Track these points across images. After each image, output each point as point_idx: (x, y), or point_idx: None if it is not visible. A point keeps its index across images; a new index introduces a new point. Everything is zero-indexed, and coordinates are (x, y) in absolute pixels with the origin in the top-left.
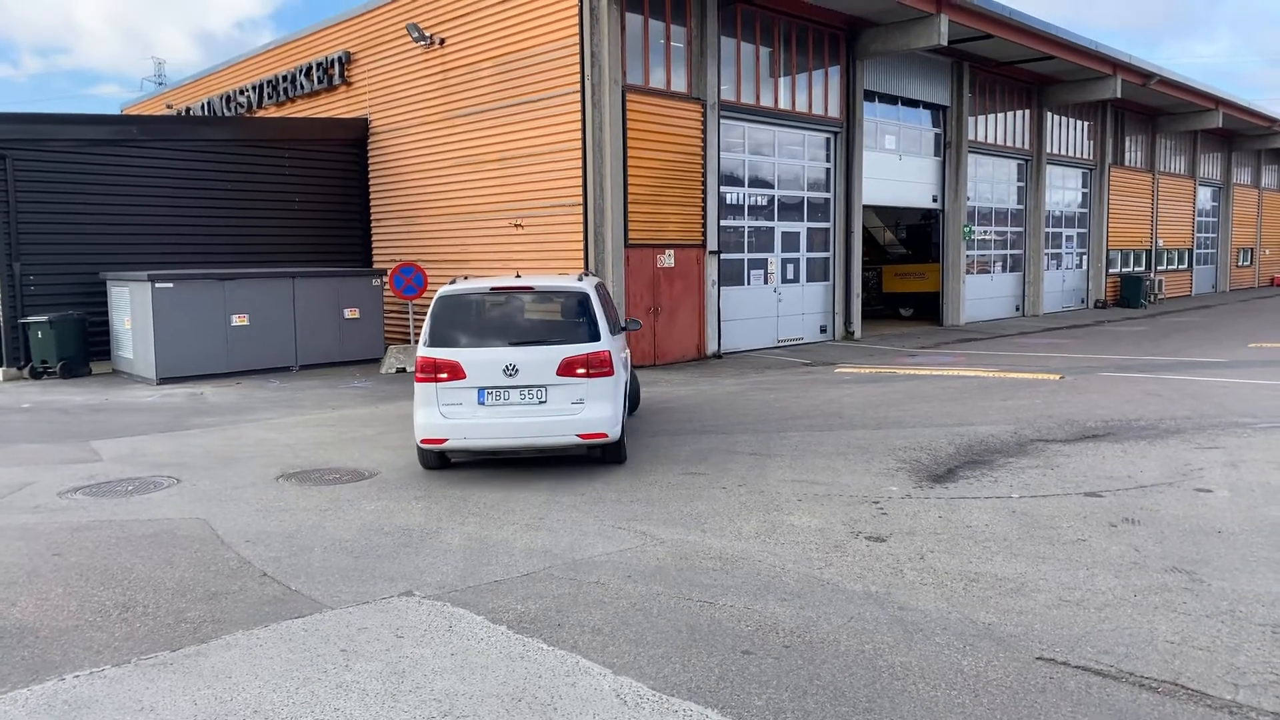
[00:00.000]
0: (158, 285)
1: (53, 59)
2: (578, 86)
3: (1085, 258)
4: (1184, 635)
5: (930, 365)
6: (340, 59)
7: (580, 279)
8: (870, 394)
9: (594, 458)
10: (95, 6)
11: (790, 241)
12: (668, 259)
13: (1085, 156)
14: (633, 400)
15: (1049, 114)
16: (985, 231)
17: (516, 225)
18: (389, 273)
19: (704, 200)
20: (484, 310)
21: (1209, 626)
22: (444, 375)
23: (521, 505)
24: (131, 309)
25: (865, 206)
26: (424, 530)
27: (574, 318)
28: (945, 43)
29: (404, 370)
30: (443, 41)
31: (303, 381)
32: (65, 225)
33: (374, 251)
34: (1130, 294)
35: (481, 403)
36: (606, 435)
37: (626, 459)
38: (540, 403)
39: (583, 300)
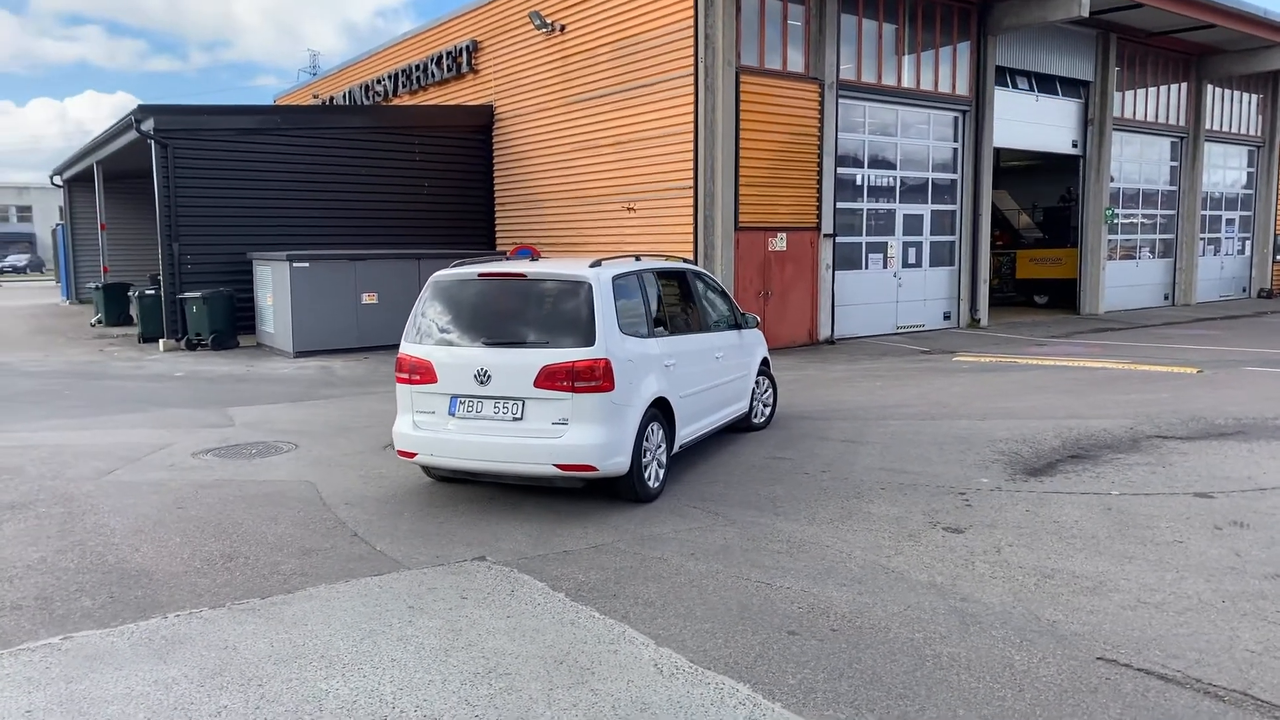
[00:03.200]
0: (295, 265)
1: (217, 53)
2: (690, 69)
3: (1249, 243)
4: (1268, 645)
5: (1056, 356)
6: (468, 48)
7: (598, 265)
8: (984, 384)
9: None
10: (251, 2)
11: (913, 224)
12: (779, 242)
13: (1251, 133)
14: (771, 407)
15: (1209, 87)
16: (1132, 214)
17: (629, 209)
18: (507, 254)
19: (819, 182)
20: (470, 301)
21: None
22: (417, 377)
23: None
24: (273, 287)
25: (995, 188)
26: (507, 500)
27: (566, 316)
28: (1087, 13)
29: None
30: (563, 28)
31: None
32: (217, 208)
33: (497, 234)
34: None
35: (452, 413)
36: (595, 469)
37: (654, 498)
38: (515, 419)
39: (581, 293)
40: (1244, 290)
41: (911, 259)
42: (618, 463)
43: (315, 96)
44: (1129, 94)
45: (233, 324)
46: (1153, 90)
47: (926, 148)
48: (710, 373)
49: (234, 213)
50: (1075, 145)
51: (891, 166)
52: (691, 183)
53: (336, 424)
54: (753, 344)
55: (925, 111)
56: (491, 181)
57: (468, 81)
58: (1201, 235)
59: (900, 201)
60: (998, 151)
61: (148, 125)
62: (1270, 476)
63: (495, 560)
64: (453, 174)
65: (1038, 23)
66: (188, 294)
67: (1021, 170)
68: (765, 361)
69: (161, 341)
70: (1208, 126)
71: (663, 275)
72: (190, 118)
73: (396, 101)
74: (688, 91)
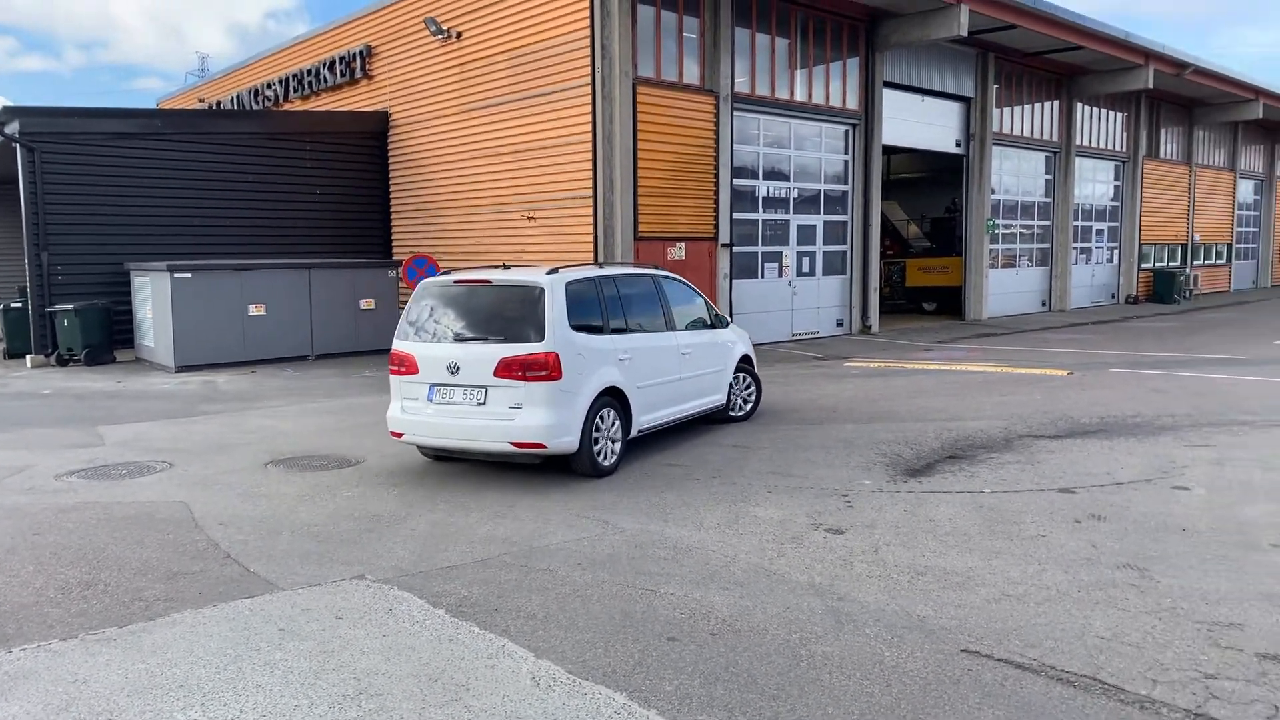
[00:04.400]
0: (176, 275)
1: (94, 53)
2: (588, 79)
3: (1117, 252)
4: (1116, 631)
5: (941, 360)
6: (362, 53)
7: (555, 271)
8: (871, 388)
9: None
10: (132, 1)
11: (806, 234)
12: (678, 252)
13: (1117, 149)
14: (753, 402)
15: (1079, 105)
16: (1011, 225)
17: (529, 218)
18: (402, 264)
19: (716, 193)
20: (447, 304)
21: (1144, 623)
22: (403, 368)
23: (496, 493)
24: (152, 298)
25: (885, 199)
26: (392, 516)
27: (523, 315)
28: (966, 33)
29: None
30: (459, 35)
31: (316, 371)
32: (92, 217)
33: (394, 243)
34: (1163, 289)
35: (430, 399)
36: (544, 446)
37: (607, 475)
38: (479, 404)
39: (534, 297)
40: (1113, 297)
41: (806, 268)
42: (566, 442)
43: (201, 100)
44: (1007, 110)
45: (108, 338)
46: (1029, 107)
47: (819, 160)
48: (673, 367)
49: (111, 221)
50: (959, 145)
51: (786, 178)
52: (591, 192)
53: (216, 441)
54: (731, 343)
55: (817, 124)
56: (387, 189)
57: (362, 87)
58: (1074, 245)
59: (795, 212)
60: (887, 163)
61: (12, 128)
62: (1126, 472)
63: (375, 578)
64: (346, 182)
65: (922, 41)
66: (59, 306)
67: (910, 182)
68: (747, 359)
69: (29, 358)
70: (1078, 142)
71: (627, 280)
72: (61, 120)
73: (288, 107)
74: (585, 101)
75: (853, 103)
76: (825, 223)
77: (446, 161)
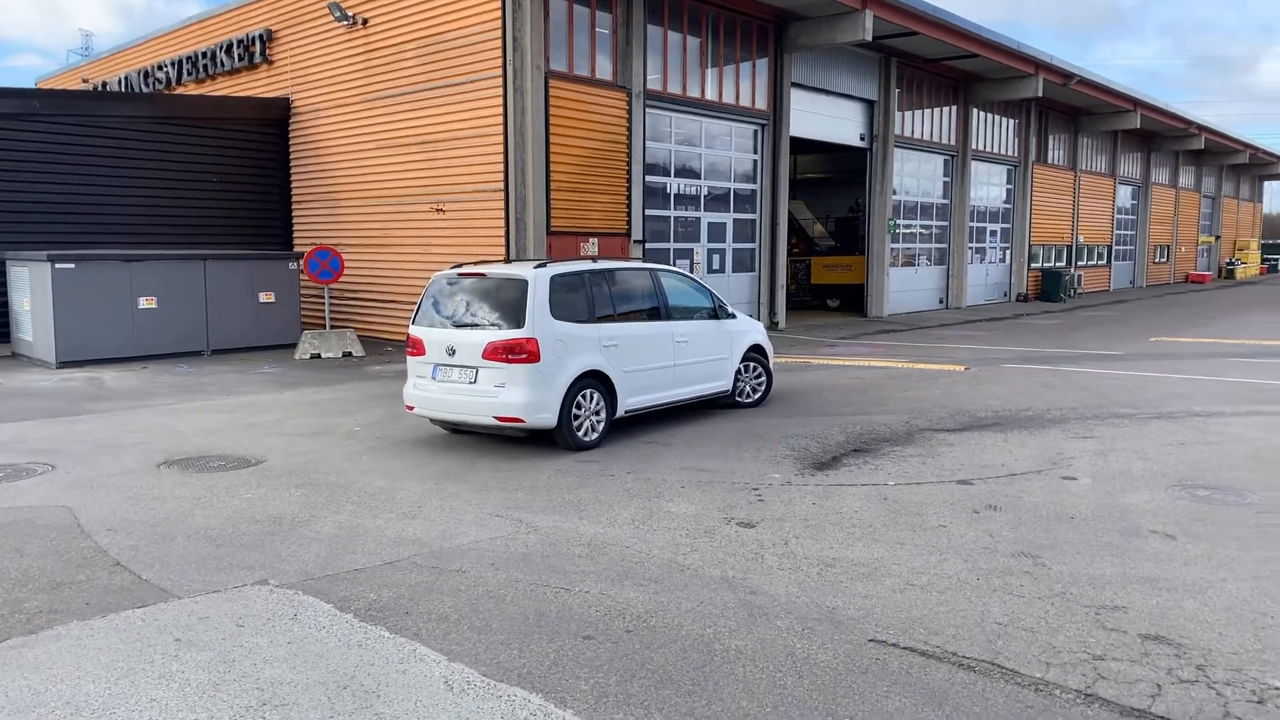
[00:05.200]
0: (58, 266)
1: None
2: (499, 71)
3: (1009, 252)
4: (1013, 617)
5: (846, 356)
6: (261, 36)
7: (542, 266)
8: (779, 383)
9: (566, 444)
10: None
11: (716, 232)
12: (592, 247)
13: (1010, 154)
14: (762, 390)
15: (975, 111)
16: (911, 225)
17: (438, 210)
18: (304, 256)
19: (629, 189)
20: (450, 293)
21: (1038, 608)
22: (415, 350)
23: (404, 493)
24: (31, 290)
25: (792, 198)
26: (295, 519)
27: (509, 305)
28: (870, 38)
29: (318, 356)
30: (365, 22)
31: (212, 366)
32: None
33: (295, 235)
34: (1051, 288)
35: (434, 378)
36: (523, 420)
37: (588, 449)
38: (471, 383)
39: (520, 289)
40: (1005, 295)
41: (716, 265)
42: (544, 418)
43: (85, 81)
44: (909, 114)
45: None
46: (929, 111)
47: (729, 158)
48: (667, 354)
49: None
50: (863, 139)
51: (697, 176)
52: (502, 185)
53: (103, 442)
54: (737, 332)
55: (728, 123)
56: (288, 179)
57: (262, 72)
58: (970, 245)
59: (705, 210)
60: (794, 163)
61: None
62: (1020, 463)
63: (279, 583)
64: (245, 170)
65: (828, 44)
66: None
67: (816, 182)
68: (757, 349)
69: None
70: (974, 146)
71: (621, 273)
72: None
73: (181, 90)
74: (497, 93)
75: (762, 103)
76: (735, 220)
77: (351, 151)
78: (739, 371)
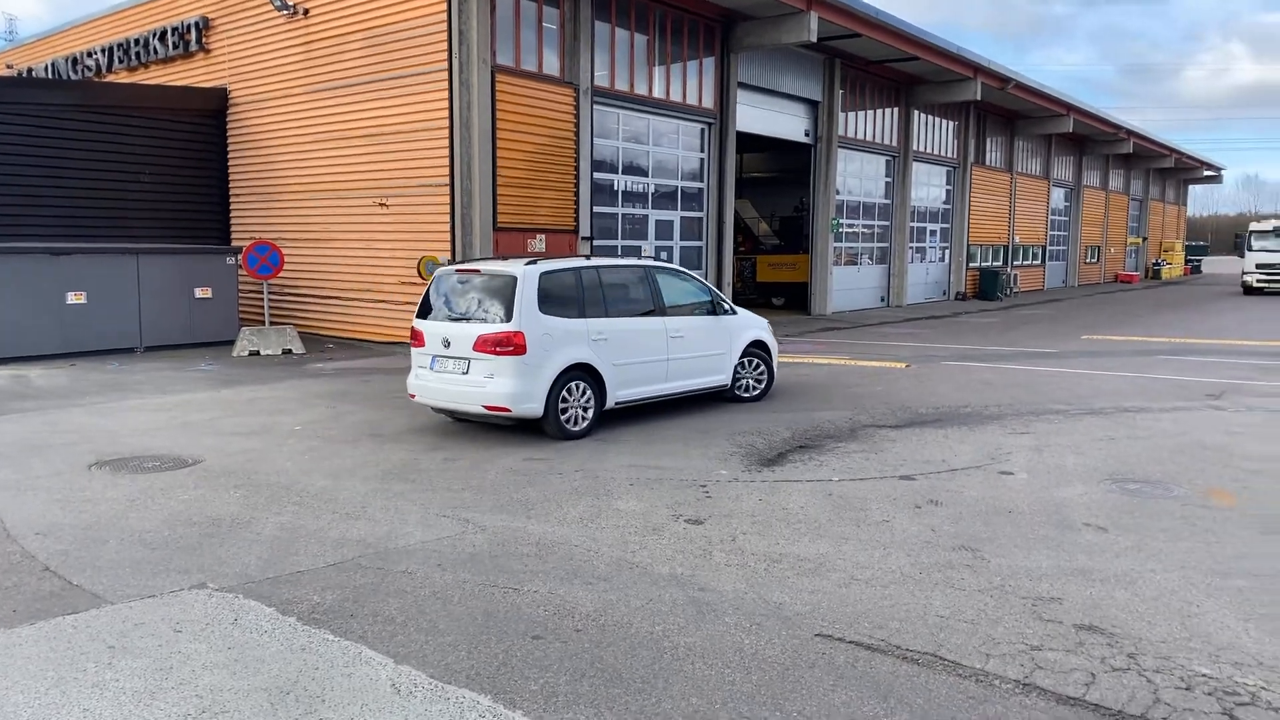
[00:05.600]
0: None
1: None
2: (445, 64)
3: (948, 252)
4: (954, 609)
5: (790, 354)
6: (198, 24)
7: (533, 263)
8: None
9: (553, 434)
10: None
11: (664, 230)
12: (539, 244)
13: (949, 155)
14: (764, 385)
15: (916, 113)
16: (854, 224)
17: (382, 204)
18: (243, 251)
19: (577, 186)
20: (449, 288)
21: (978, 601)
22: (416, 342)
23: (348, 493)
24: None
25: (738, 197)
26: (235, 520)
27: (499, 300)
28: (815, 39)
29: (257, 353)
30: (306, 12)
31: (145, 364)
32: None
33: (234, 229)
34: (988, 287)
35: (432, 368)
36: (510, 410)
37: (575, 438)
38: (464, 373)
39: (510, 284)
40: (944, 294)
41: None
42: (530, 407)
43: (9, 67)
44: (852, 115)
45: None
46: (872, 113)
47: (676, 156)
48: (659, 348)
49: None
50: (807, 134)
51: (645, 173)
52: (448, 180)
53: (30, 442)
54: (736, 328)
55: (675, 122)
56: (226, 171)
57: (198, 61)
58: (911, 245)
59: (653, 207)
60: (740, 162)
61: None
62: (960, 459)
63: (218, 587)
64: (181, 162)
65: (774, 44)
66: None
67: (761, 181)
68: (759, 344)
69: None
70: (915, 148)
71: (614, 270)
72: None
73: (112, 78)
74: (442, 87)
75: (709, 101)
76: (682, 218)
77: (292, 144)
78: (740, 366)
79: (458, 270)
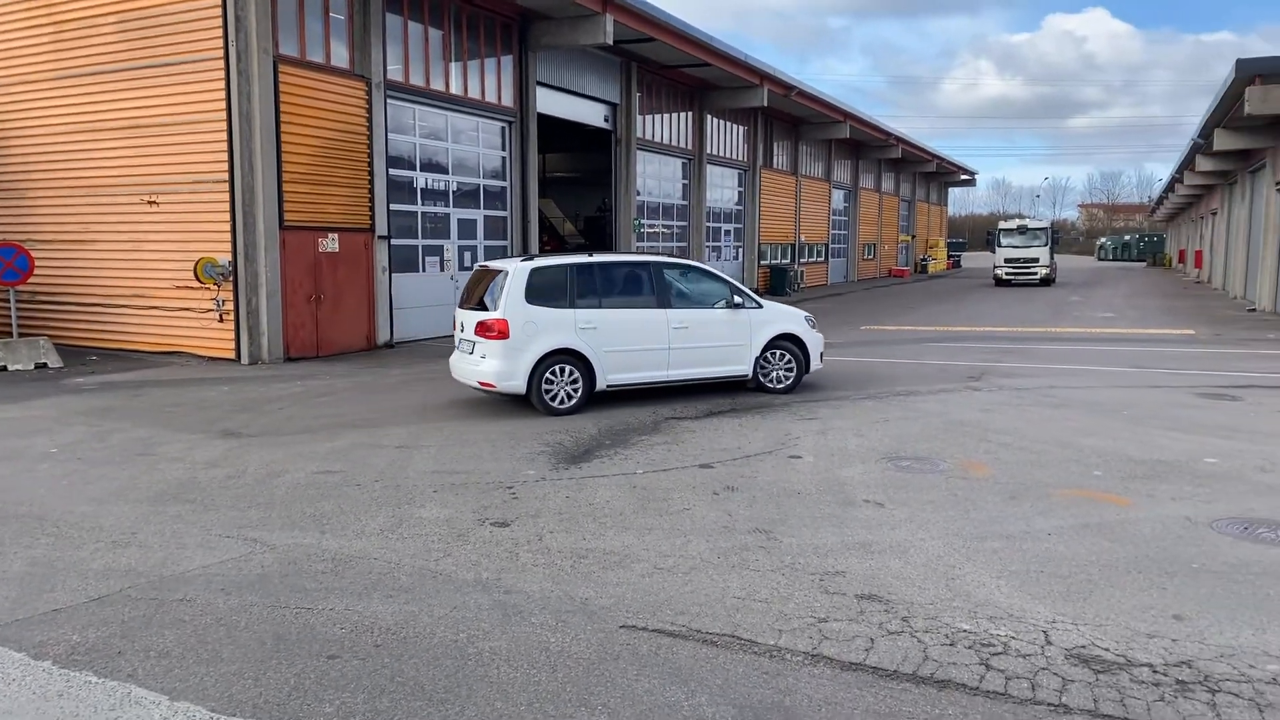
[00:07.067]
0: None
1: None
2: (220, 52)
3: (741, 250)
4: (750, 590)
5: None
6: None
7: (529, 259)
8: None
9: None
10: None
11: (467, 229)
12: (331, 243)
13: (741, 159)
14: (793, 376)
15: (709, 117)
16: (655, 224)
17: (150, 202)
18: None
19: (371, 183)
20: (473, 282)
21: (771, 580)
22: (455, 327)
23: (114, 519)
24: None
25: (542, 197)
26: None
27: (495, 291)
28: (611, 41)
29: (4, 369)
30: None
31: None
32: None
33: None
34: (778, 283)
35: (459, 348)
36: (495, 385)
37: (559, 415)
38: (470, 353)
39: (503, 277)
40: None
41: (468, 262)
42: (513, 385)
43: None
44: (650, 118)
45: None
46: (668, 116)
47: (478, 154)
48: (659, 337)
49: None
50: (606, 120)
51: (445, 171)
52: (227, 176)
53: None
54: (758, 322)
55: (475, 119)
56: None
57: None
58: (708, 244)
59: (455, 206)
60: (544, 162)
61: None
62: (754, 445)
63: None
64: None
65: (570, 45)
66: None
67: (565, 181)
68: (789, 338)
69: None
70: (709, 151)
71: (613, 265)
72: None
73: None
74: (218, 76)
75: (508, 100)
76: (486, 217)
77: (40, 136)
78: (767, 358)
79: (479, 267)
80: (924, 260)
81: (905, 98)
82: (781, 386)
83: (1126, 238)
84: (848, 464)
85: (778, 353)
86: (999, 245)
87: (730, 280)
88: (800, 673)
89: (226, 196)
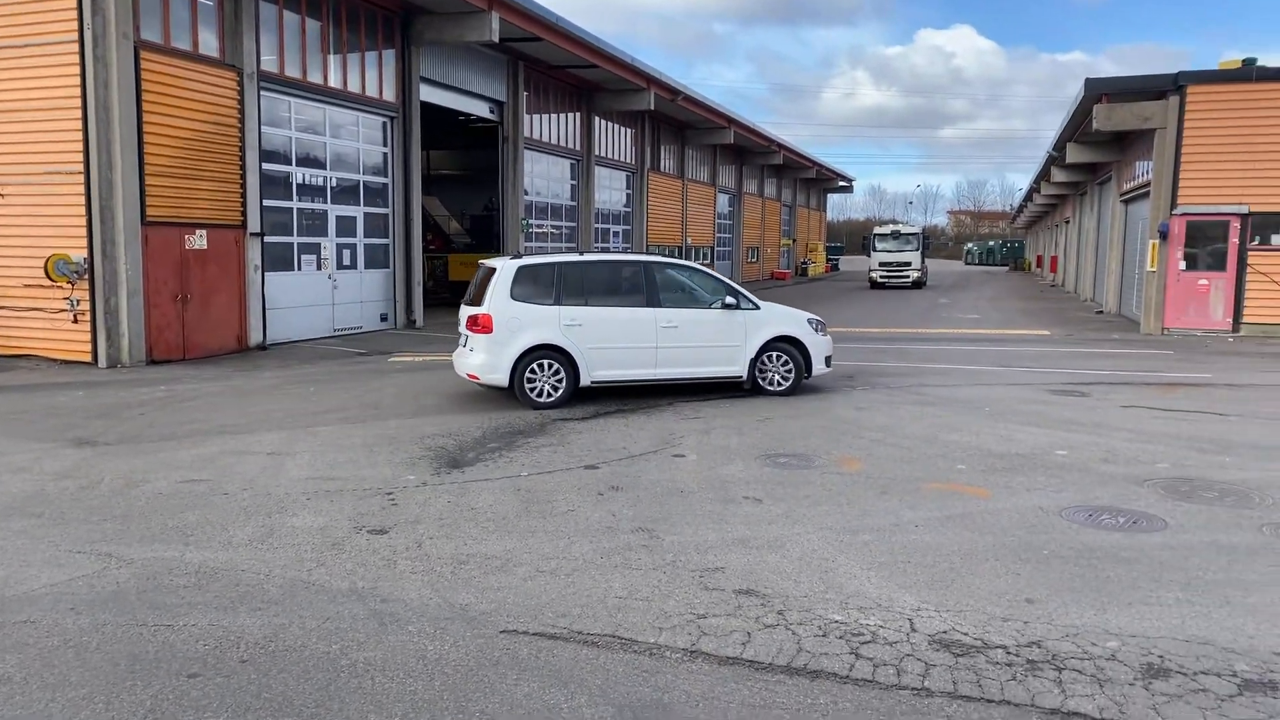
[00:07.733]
0: None
1: None
2: (75, 37)
3: (629, 252)
4: (631, 589)
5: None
6: None
7: (517, 257)
8: (416, 383)
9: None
10: None
11: (346, 226)
12: (199, 240)
13: (629, 161)
14: (792, 378)
15: (597, 119)
16: (543, 224)
17: None
18: None
19: (243, 178)
20: (477, 279)
21: (653, 578)
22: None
23: None
24: None
25: (427, 195)
26: None
27: (483, 287)
28: (497, 39)
29: None
30: None
31: None
32: None
33: None
34: None
35: (460, 342)
36: (479, 377)
37: (541, 408)
38: (463, 346)
39: (492, 274)
40: None
41: (347, 261)
42: (496, 377)
43: None
44: (538, 117)
45: None
46: (556, 116)
47: (357, 150)
48: (647, 336)
49: None
50: (492, 112)
51: (323, 166)
52: (82, 168)
53: None
54: (754, 323)
55: (355, 114)
56: None
57: None
58: (596, 245)
59: (333, 202)
60: (428, 159)
61: None
62: (639, 445)
63: None
64: None
65: (455, 41)
66: None
67: (451, 179)
68: (788, 340)
69: None
70: (597, 153)
71: (602, 265)
72: None
73: None
74: (72, 62)
75: (390, 95)
76: (366, 215)
77: None
78: (765, 360)
79: (482, 264)
80: (804, 264)
81: (787, 105)
82: (779, 389)
83: (991, 243)
84: (729, 462)
85: (776, 355)
86: (874, 250)
87: (727, 281)
88: (679, 669)
89: (82, 189)
